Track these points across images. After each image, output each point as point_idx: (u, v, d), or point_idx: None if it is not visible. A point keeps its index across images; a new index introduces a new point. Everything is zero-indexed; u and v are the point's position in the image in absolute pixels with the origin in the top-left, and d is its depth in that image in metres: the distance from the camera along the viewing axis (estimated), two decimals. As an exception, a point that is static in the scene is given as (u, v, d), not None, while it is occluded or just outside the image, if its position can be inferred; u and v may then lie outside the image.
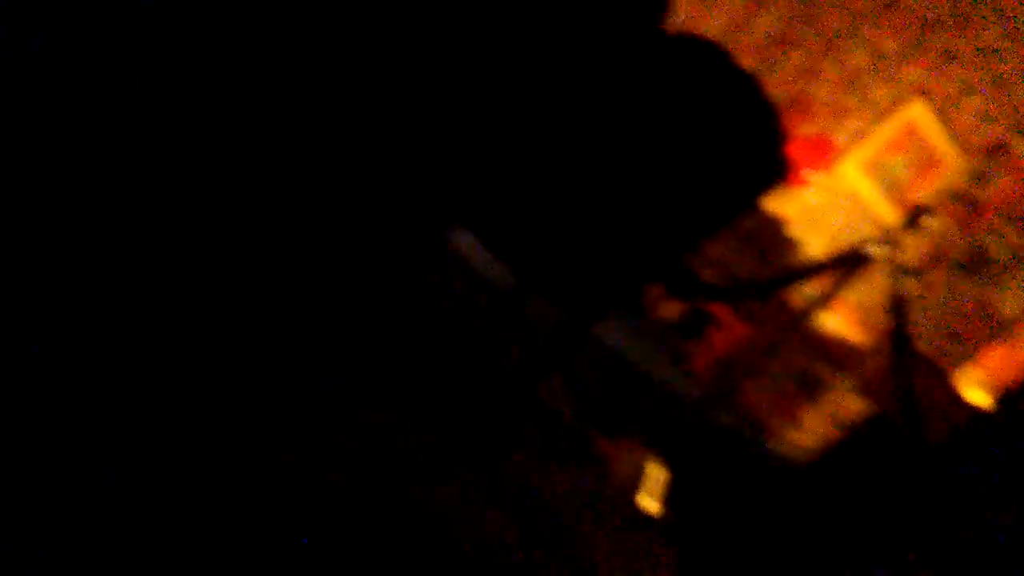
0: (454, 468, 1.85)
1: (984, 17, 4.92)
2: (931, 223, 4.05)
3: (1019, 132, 4.96)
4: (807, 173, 4.87)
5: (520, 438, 2.37)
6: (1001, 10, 4.90)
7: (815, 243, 4.73)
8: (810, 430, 4.15)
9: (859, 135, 5.01)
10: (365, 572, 1.25)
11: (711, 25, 4.82)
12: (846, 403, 4.03)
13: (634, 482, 2.58)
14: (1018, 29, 4.91)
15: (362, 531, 1.33)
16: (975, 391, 3.28)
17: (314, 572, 1.16)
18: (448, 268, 2.75)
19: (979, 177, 5.00)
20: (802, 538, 2.54)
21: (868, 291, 4.12)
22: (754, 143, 2.51)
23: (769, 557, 2.53)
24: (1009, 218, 4.88)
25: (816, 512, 2.62)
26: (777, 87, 4.83)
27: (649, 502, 2.50)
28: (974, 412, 2.11)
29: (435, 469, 1.75)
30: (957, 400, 2.61)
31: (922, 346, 4.16)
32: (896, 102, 5.01)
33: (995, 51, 4.94)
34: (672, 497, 2.57)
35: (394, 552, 1.35)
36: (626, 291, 3.68)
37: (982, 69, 4.96)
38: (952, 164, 5.05)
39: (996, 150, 4.99)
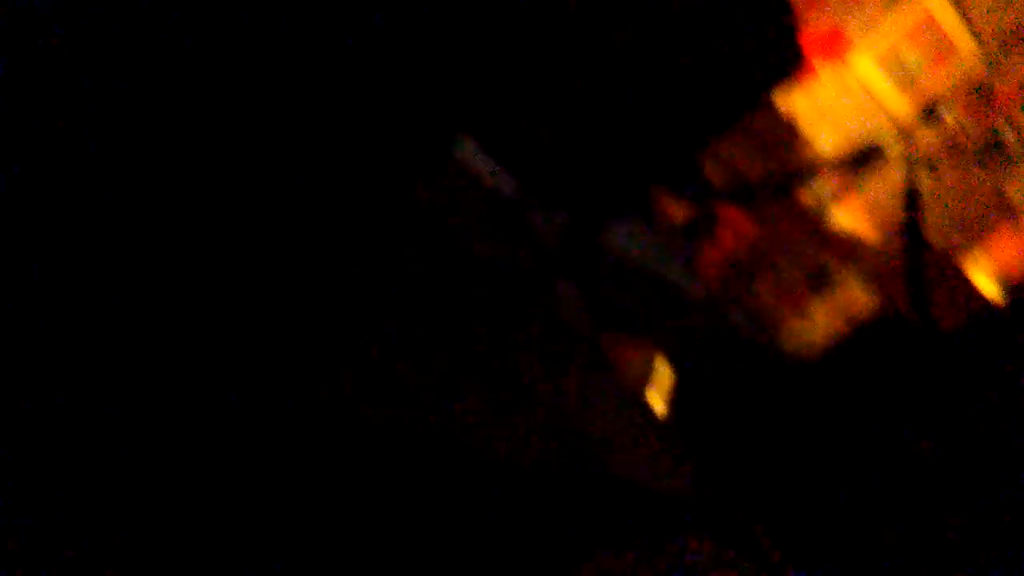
0: (468, 384, 1.87)
1: None
2: (946, 115, 3.97)
3: (1037, 17, 4.81)
4: (818, 66, 4.76)
5: (532, 345, 2.38)
6: None
7: (827, 139, 4.66)
8: (820, 326, 4.16)
9: (871, 25, 4.88)
10: (396, 490, 1.27)
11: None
12: (856, 298, 4.03)
13: (644, 383, 2.60)
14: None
15: (389, 453, 1.35)
16: (986, 281, 3.27)
17: (340, 500, 1.18)
18: (454, 180, 2.72)
19: (994, 66, 4.89)
20: (811, 434, 2.58)
21: (880, 186, 4.07)
22: (764, 35, 2.44)
23: (778, 454, 2.57)
24: (1024, 107, 4.79)
25: (826, 407, 2.65)
26: (787, -23, 4.68)
27: (658, 402, 2.53)
28: (984, 301, 2.10)
29: (448, 388, 1.76)
30: (968, 291, 2.60)
31: (934, 238, 4.13)
32: (909, -11, 4.86)
33: (1013, -68, 4.76)
34: (681, 396, 2.60)
35: (419, 467, 1.37)
36: (634, 194, 3.65)
37: (999, -48, 4.79)
38: (967, 53, 4.92)
39: (1012, 37, 4.86)
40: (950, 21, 4.89)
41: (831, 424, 2.55)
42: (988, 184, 4.73)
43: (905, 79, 4.92)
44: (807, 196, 4.08)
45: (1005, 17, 4.84)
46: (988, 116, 4.84)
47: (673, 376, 2.64)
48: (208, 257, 1.34)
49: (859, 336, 2.84)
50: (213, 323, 1.26)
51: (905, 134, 2.59)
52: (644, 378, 2.62)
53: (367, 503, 1.15)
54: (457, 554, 1.21)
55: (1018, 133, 4.77)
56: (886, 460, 2.20)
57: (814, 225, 4.04)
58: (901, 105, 4.89)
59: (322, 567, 0.98)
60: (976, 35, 4.88)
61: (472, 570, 1.21)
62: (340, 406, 1.31)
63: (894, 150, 2.53)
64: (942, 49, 4.91)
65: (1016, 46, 4.84)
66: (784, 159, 4.26)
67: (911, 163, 2.50)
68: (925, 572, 1.99)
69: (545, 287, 2.60)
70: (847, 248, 4.24)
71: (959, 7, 4.87)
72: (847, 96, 4.88)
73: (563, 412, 2.12)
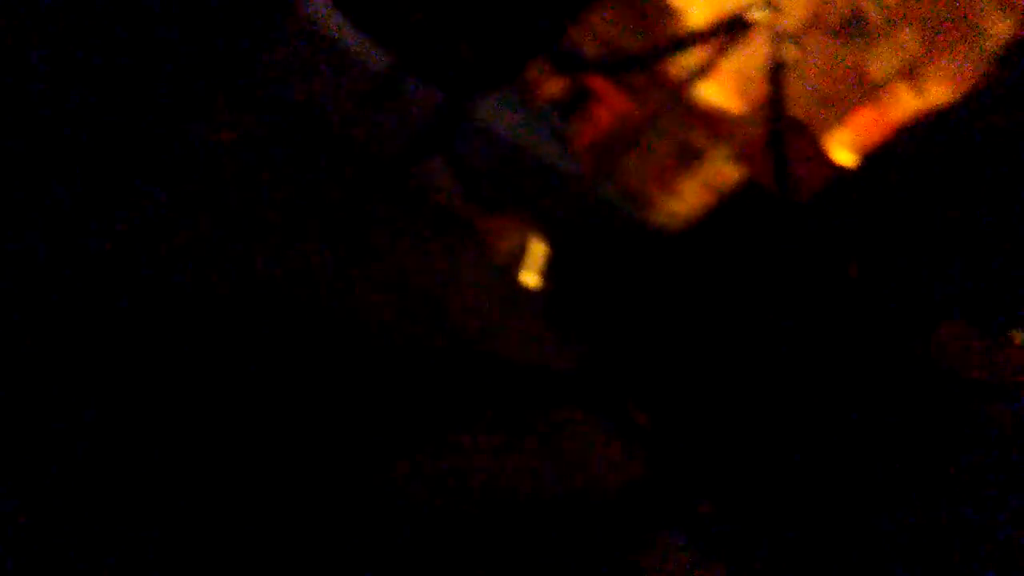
0: (326, 242, 1.81)
1: None
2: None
3: None
4: (689, -64, 4.70)
5: (399, 219, 2.34)
6: None
7: (696, 12, 4.65)
8: (688, 199, 4.26)
9: None
10: (257, 360, 1.23)
11: None
12: (722, 171, 4.13)
13: (516, 259, 2.60)
14: None
15: (248, 326, 1.30)
16: (844, 152, 3.39)
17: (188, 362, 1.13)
18: (303, 42, 2.58)
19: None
20: (680, 305, 2.65)
21: (747, 59, 4.11)
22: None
23: (648, 326, 2.64)
24: (885, -20, 4.88)
25: (695, 279, 2.73)
26: None
27: (531, 277, 2.54)
28: (840, 171, 2.18)
29: (301, 236, 1.70)
30: (827, 162, 2.69)
31: (797, 111, 4.24)
32: None
33: None
34: (554, 271, 2.62)
35: (256, 312, 1.33)
36: (506, 68, 3.58)
37: None
38: (832, -76, 4.95)
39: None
40: None
41: (700, 294, 2.64)
42: (850, 60, 4.85)
43: (773, -49, 4.93)
44: (677, 69, 4.10)
45: None
46: (851, -10, 4.92)
47: (546, 251, 2.65)
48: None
49: (725, 208, 2.91)
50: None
51: (772, 6, 2.60)
52: (516, 254, 2.62)
53: (215, 365, 1.12)
54: (313, 423, 1.19)
55: (881, 9, 4.88)
56: (752, 328, 2.29)
57: (683, 99, 4.07)
58: (769, -23, 4.91)
59: (171, 421, 0.95)
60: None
61: (331, 438, 1.20)
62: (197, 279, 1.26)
63: (760, 22, 2.54)
64: (809, -80, 4.92)
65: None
66: (655, 32, 4.24)
67: (776, 36, 2.52)
68: (786, 431, 2.11)
69: (416, 162, 2.53)
70: (714, 122, 4.30)
71: None
72: (717, -32, 4.86)
73: (431, 287, 2.10)
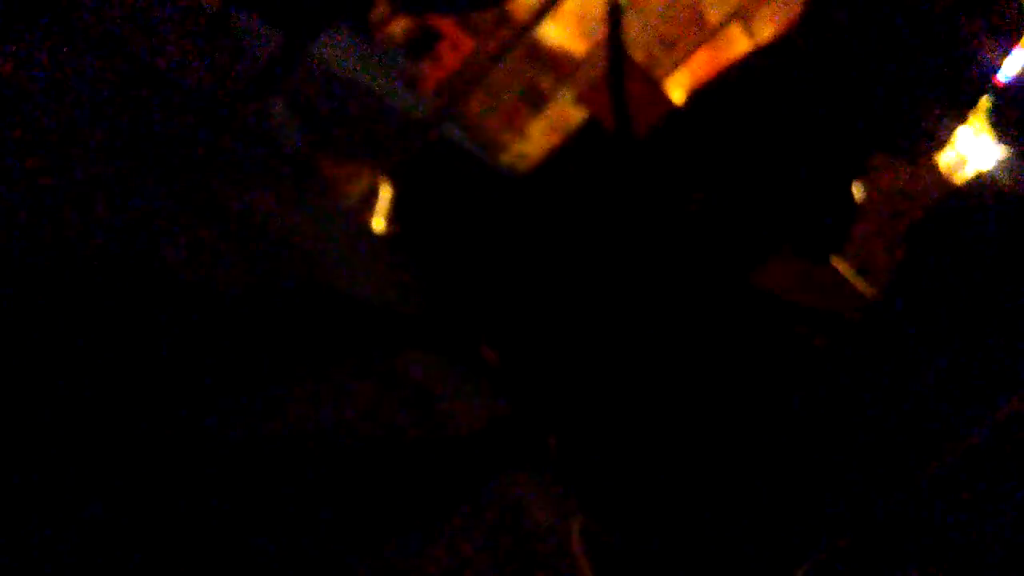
0: (165, 189, 1.74)
1: None
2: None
3: None
4: None
5: (240, 164, 2.27)
6: None
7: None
8: (535, 141, 4.31)
9: None
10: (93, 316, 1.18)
11: None
12: (567, 112, 4.19)
13: (365, 203, 2.58)
14: None
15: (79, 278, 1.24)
16: (683, 93, 3.51)
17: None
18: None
19: None
20: (529, 247, 2.70)
21: (588, 0, 4.16)
22: None
23: (495, 259, 2.68)
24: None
25: (543, 217, 2.78)
26: None
27: (379, 221, 2.53)
28: (674, 109, 2.26)
29: (138, 185, 1.63)
30: (667, 103, 2.77)
31: (638, 54, 4.34)
32: None
33: None
34: (402, 214, 2.62)
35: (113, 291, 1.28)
36: (348, 5, 3.48)
37: None
38: None
39: None
40: None
41: (547, 235, 2.69)
42: (688, 3, 4.98)
43: None
44: (520, 9, 4.10)
45: None
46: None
47: (393, 195, 2.64)
48: None
49: (568, 150, 2.97)
50: None
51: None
52: (364, 198, 2.59)
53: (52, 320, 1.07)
54: (154, 369, 1.16)
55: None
56: (595, 265, 2.36)
57: (528, 40, 4.08)
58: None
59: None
60: None
61: (173, 383, 1.17)
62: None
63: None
64: None
65: None
66: (499, -28, 4.21)
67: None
68: (627, 363, 2.20)
69: (254, 105, 2.45)
70: (559, 63, 4.35)
71: None
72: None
73: (275, 232, 2.06)
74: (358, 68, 3.69)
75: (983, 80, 1.72)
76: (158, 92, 2.12)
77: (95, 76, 1.89)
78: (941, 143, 1.81)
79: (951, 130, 1.76)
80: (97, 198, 1.48)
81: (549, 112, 4.41)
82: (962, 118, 1.75)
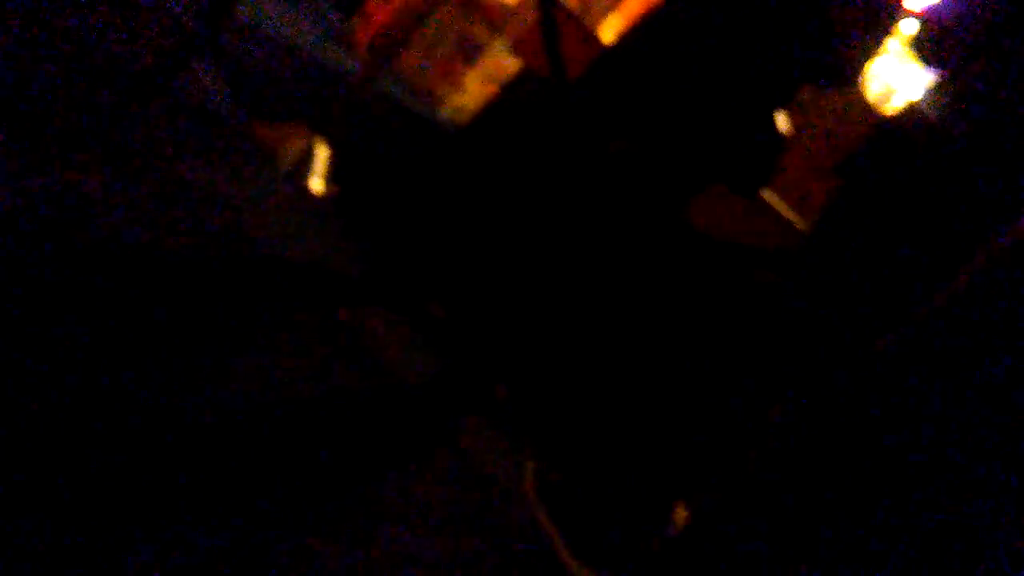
0: (95, 160, 1.71)
1: None
2: None
3: None
4: None
5: (170, 130, 2.23)
6: None
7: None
8: (472, 92, 4.28)
9: None
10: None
11: None
12: (502, 63, 4.16)
13: (301, 164, 2.55)
14: None
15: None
16: (613, 37, 3.50)
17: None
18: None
19: None
20: (472, 197, 2.70)
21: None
22: None
23: (436, 213, 2.68)
24: None
25: (483, 168, 2.78)
26: None
27: (318, 181, 2.51)
28: (604, 51, 2.26)
29: (65, 157, 1.60)
30: (598, 47, 2.77)
31: (570, 1, 4.31)
32: None
33: None
34: (341, 173, 2.59)
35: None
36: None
37: None
38: None
39: None
40: None
41: (490, 185, 2.69)
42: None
43: None
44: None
45: None
46: None
47: (331, 154, 2.61)
48: None
49: (503, 100, 2.96)
50: None
51: None
52: (300, 159, 2.56)
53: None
54: (92, 340, 1.16)
55: None
56: (535, 213, 2.37)
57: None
58: None
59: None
60: None
61: (110, 351, 1.17)
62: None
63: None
64: None
65: None
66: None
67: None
68: (572, 310, 2.23)
69: (180, 70, 2.40)
70: (492, 13, 4.31)
71: None
72: None
73: (211, 198, 2.04)
74: (287, 27, 3.62)
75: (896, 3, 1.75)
76: (82, 60, 2.07)
77: (11, 44, 1.84)
78: (860, 69, 1.84)
79: (869, 55, 1.79)
80: (24, 168, 1.45)
81: (485, 63, 4.38)
82: (879, 43, 1.78)
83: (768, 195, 2.62)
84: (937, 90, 1.82)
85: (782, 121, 1.80)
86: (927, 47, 1.83)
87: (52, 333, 1.11)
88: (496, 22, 4.35)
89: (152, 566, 0.90)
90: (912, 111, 1.88)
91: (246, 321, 1.66)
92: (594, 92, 1.93)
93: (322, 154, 2.58)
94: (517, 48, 3.08)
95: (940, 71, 1.82)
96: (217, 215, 2.01)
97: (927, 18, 1.81)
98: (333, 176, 2.55)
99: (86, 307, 1.25)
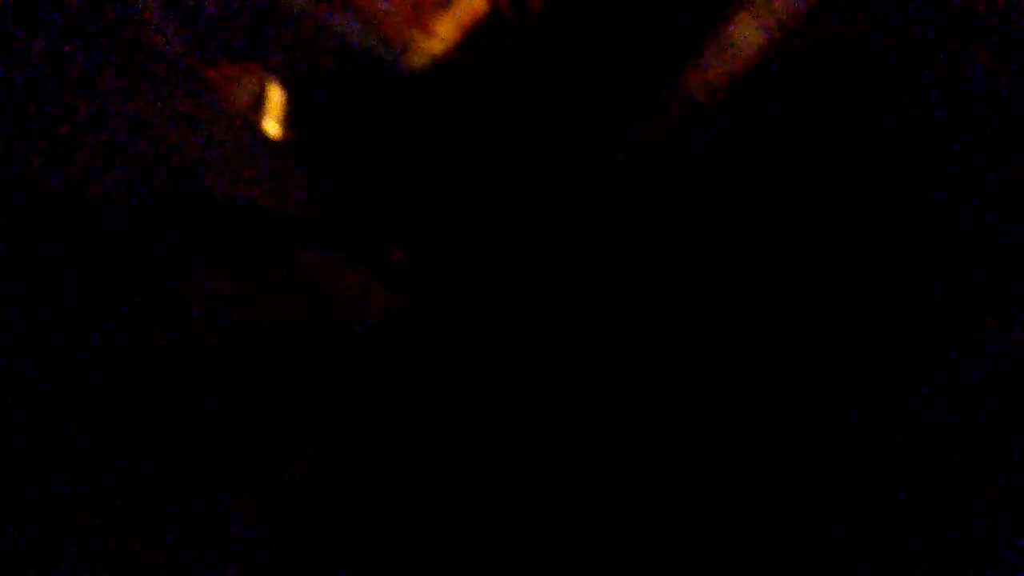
0: (35, 106, 1.64)
1: None
2: None
3: None
4: None
5: (118, 72, 2.14)
6: None
7: None
8: (442, 38, 4.15)
9: None
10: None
11: None
12: (474, 7, 4.04)
13: (255, 108, 2.46)
14: None
15: None
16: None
17: None
18: None
19: None
20: (434, 146, 2.62)
21: None
22: None
23: (397, 156, 2.60)
24: None
25: (448, 117, 2.69)
26: None
27: (272, 125, 2.42)
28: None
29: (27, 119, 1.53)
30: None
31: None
32: None
33: None
34: (299, 117, 2.51)
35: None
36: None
37: None
38: None
39: None
40: None
41: (451, 134, 2.61)
42: None
43: None
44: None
45: None
46: None
47: (287, 97, 2.52)
48: None
49: (470, 40, 2.86)
50: None
51: None
52: (255, 102, 2.47)
53: None
54: (40, 285, 1.09)
55: None
56: (495, 154, 2.29)
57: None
58: None
59: None
60: None
61: (61, 294, 1.11)
62: None
63: None
64: None
65: None
66: None
67: None
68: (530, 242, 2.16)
69: (127, 7, 2.30)
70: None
71: None
72: None
73: (163, 142, 1.97)
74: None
75: None
76: (23, 3, 1.97)
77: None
78: None
79: None
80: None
81: (457, 8, 4.25)
82: None
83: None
84: None
85: None
86: None
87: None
88: (468, -36, 4.21)
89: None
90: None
91: (188, 262, 1.59)
92: (551, 29, 1.85)
93: (276, 96, 2.48)
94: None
95: None
96: (165, 158, 1.94)
97: None
98: (289, 120, 2.46)
99: (26, 250, 1.18)
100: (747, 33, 1.62)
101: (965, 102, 1.46)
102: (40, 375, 0.95)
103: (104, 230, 1.47)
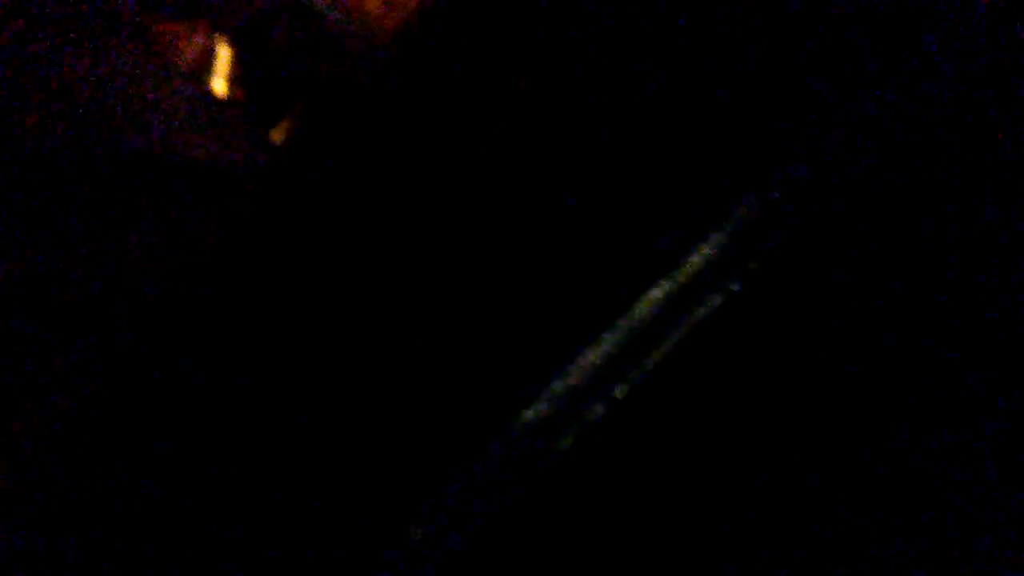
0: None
1: None
2: None
3: None
4: None
5: (59, 25, 2.07)
6: None
7: None
8: (399, 6, 4.09)
9: None
10: None
11: None
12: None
13: (204, 65, 2.39)
14: None
15: None
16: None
17: None
18: None
19: None
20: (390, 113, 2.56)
21: None
22: None
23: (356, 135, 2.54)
24: None
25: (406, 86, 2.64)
26: None
27: (220, 83, 2.34)
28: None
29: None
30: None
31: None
32: None
33: None
34: (250, 76, 2.44)
35: None
36: None
37: None
38: None
39: None
40: None
41: (417, 100, 2.55)
42: None
43: None
44: None
45: None
46: None
47: (238, 55, 2.45)
48: None
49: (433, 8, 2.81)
50: None
51: None
52: (204, 60, 2.39)
53: None
54: None
55: None
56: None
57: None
58: None
59: None
60: None
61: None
62: None
63: None
64: None
65: None
66: None
67: None
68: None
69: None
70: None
71: None
72: None
73: (107, 100, 1.91)
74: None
75: None
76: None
77: None
78: None
79: None
80: None
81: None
82: None
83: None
84: None
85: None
86: None
87: None
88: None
89: None
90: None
91: (126, 219, 1.54)
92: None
93: (225, 53, 2.41)
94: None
95: None
96: (106, 116, 1.89)
97: None
98: (239, 79, 2.39)
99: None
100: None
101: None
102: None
103: (41, 184, 1.42)
